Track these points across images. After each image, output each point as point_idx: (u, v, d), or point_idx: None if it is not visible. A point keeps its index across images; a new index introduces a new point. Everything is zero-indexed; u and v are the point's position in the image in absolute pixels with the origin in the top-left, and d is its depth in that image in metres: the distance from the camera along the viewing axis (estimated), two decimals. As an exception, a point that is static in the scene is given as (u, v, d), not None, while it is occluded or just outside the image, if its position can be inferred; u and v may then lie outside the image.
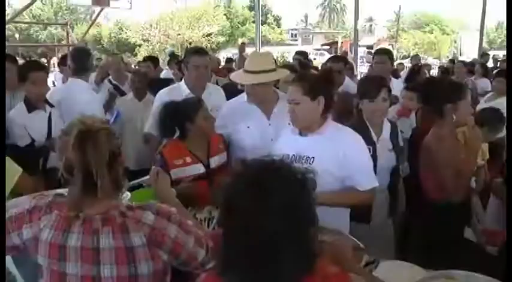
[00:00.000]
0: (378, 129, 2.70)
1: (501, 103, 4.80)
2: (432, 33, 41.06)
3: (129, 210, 1.42)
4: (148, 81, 4.52)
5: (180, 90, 3.22)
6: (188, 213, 1.98)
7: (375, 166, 2.40)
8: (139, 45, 31.21)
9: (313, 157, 2.18)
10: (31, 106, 3.26)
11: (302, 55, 6.08)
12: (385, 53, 4.57)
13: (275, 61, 3.00)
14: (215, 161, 2.67)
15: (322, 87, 2.19)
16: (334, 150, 2.17)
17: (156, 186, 1.96)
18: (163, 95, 3.23)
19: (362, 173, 2.20)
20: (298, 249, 1.09)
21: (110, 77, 4.92)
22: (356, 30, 14.60)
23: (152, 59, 6.86)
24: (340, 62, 4.40)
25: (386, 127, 2.75)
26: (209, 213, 2.29)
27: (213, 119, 2.69)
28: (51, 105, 3.41)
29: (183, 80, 3.37)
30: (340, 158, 2.16)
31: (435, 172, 2.57)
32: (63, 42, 19.94)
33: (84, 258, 1.39)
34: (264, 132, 2.76)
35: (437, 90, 2.69)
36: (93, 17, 15.33)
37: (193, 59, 3.19)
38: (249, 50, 6.40)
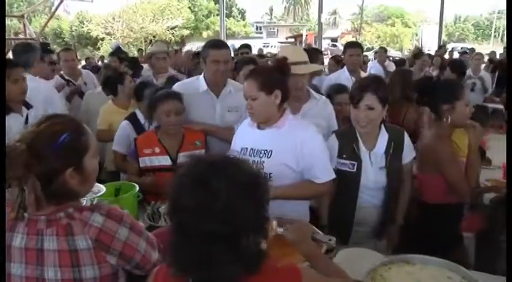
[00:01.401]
0: (370, 141, 2.39)
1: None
2: (394, 26, 41.97)
3: (77, 212, 1.35)
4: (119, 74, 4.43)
5: (198, 86, 2.95)
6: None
7: (357, 185, 2.35)
8: (102, 39, 30.45)
9: (271, 150, 2.19)
10: (8, 108, 2.85)
11: (247, 48, 6.03)
12: (359, 46, 4.66)
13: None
14: (184, 157, 2.64)
15: (277, 80, 2.17)
16: (292, 144, 2.17)
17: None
18: (178, 89, 2.95)
19: (319, 166, 2.20)
20: (239, 252, 1.08)
21: (62, 72, 4.79)
22: (320, 23, 14.75)
23: (118, 53, 6.74)
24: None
25: (382, 140, 2.38)
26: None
27: (179, 114, 2.67)
28: (29, 106, 3.08)
29: (202, 75, 3.02)
30: (298, 151, 2.17)
31: (440, 174, 2.47)
32: (21, 35, 19.22)
33: (28, 259, 1.35)
34: None
35: (433, 90, 2.56)
36: (53, 9, 14.83)
37: (212, 53, 2.85)
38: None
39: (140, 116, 3.25)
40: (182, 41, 30.24)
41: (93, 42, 31.64)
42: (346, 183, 2.38)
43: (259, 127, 2.26)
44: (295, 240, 1.57)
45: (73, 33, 34.41)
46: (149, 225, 2.15)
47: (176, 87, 3.01)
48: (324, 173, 2.21)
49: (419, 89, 2.87)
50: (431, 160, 2.48)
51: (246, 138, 2.29)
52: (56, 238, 1.33)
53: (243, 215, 1.08)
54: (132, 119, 3.25)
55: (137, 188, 2.41)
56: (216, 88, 2.93)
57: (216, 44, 2.95)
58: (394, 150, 2.37)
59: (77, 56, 5.26)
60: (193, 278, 1.12)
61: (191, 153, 2.61)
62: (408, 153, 2.44)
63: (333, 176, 2.24)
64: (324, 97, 2.96)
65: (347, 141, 2.36)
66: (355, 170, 2.34)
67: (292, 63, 2.43)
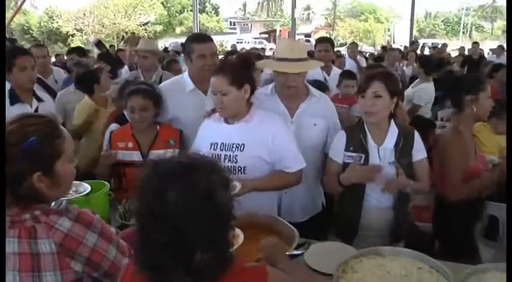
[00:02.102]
0: (379, 136, 2.27)
1: (424, 88, 5.18)
2: (367, 21, 42.47)
3: (44, 215, 1.30)
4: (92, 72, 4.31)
5: (183, 85, 2.74)
6: None
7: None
8: (73, 35, 29.81)
9: (243, 144, 2.20)
10: (15, 98, 2.79)
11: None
12: (328, 41, 4.67)
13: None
14: (155, 155, 2.62)
15: (246, 75, 2.19)
16: (263, 136, 2.20)
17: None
18: (164, 89, 2.77)
19: (290, 157, 2.24)
20: (190, 266, 1.05)
21: None
22: (294, 19, 14.80)
23: (78, 50, 6.49)
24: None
25: (392, 134, 2.26)
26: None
27: (145, 111, 2.60)
28: (40, 100, 2.99)
29: (186, 73, 2.82)
30: (269, 143, 2.20)
31: (443, 167, 2.48)
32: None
33: None
34: None
35: (456, 81, 2.57)
36: (19, 3, 14.37)
37: (197, 48, 2.64)
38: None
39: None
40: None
41: (63, 38, 30.93)
42: None
43: (227, 122, 2.27)
44: (270, 258, 1.51)
45: (42, 29, 33.54)
46: (121, 223, 2.12)
47: (162, 86, 2.85)
48: (295, 163, 2.25)
49: (442, 82, 2.87)
50: (441, 152, 2.50)
51: (215, 134, 2.28)
52: (17, 240, 1.27)
53: (191, 230, 1.03)
54: (121, 120, 3.12)
55: (108, 186, 2.38)
56: (203, 85, 2.65)
57: (200, 37, 2.79)
58: (403, 146, 2.24)
59: (48, 53, 5.10)
60: (149, 278, 1.10)
61: (166, 152, 2.63)
62: (419, 150, 2.29)
63: (304, 164, 2.28)
64: (325, 95, 2.76)
65: (355, 134, 2.29)
66: (362, 162, 2.23)
67: (281, 59, 2.43)
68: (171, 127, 2.72)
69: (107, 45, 9.99)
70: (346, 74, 4.06)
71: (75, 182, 2.16)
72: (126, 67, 5.50)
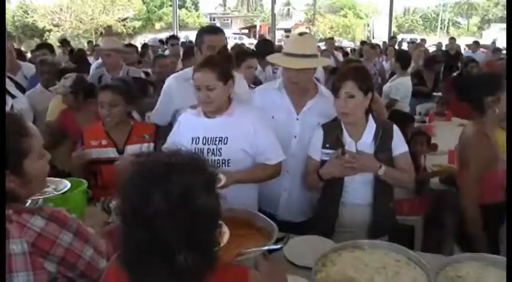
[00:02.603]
0: (356, 132, 2.27)
1: (401, 83, 5.26)
2: (346, 17, 42.72)
3: (15, 214, 1.27)
4: (60, 70, 4.16)
5: (190, 76, 2.62)
6: None
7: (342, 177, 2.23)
8: (49, 31, 29.20)
9: (227, 137, 2.23)
10: None
11: (176, 39, 6.06)
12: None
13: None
14: (131, 150, 2.64)
15: (230, 70, 2.23)
16: (245, 129, 2.24)
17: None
18: (171, 80, 2.79)
19: (270, 149, 2.28)
20: (174, 267, 1.04)
21: None
22: (273, 14, 14.80)
23: (47, 46, 6.33)
24: None
25: (370, 130, 2.26)
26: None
27: (114, 106, 2.59)
28: (13, 96, 2.91)
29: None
30: (252, 136, 2.24)
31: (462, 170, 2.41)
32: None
33: None
34: (288, 127, 2.51)
35: (475, 82, 2.47)
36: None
37: (208, 39, 2.65)
38: (166, 35, 6.23)
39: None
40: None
41: (40, 33, 30.26)
42: None
43: (207, 116, 2.28)
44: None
45: (16, 23, 32.73)
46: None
47: (170, 78, 2.83)
48: (275, 155, 2.30)
49: (458, 84, 2.77)
50: (465, 154, 2.41)
51: (195, 128, 2.29)
52: None
53: (173, 231, 1.02)
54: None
55: (86, 184, 2.35)
56: None
57: (212, 29, 2.79)
58: (382, 140, 2.24)
59: (18, 49, 4.94)
60: (131, 278, 1.09)
61: (139, 150, 2.61)
62: (399, 143, 2.29)
63: (283, 156, 2.31)
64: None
65: (331, 132, 2.30)
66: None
67: (288, 54, 2.43)
68: (145, 122, 2.74)
69: (85, 41, 9.78)
70: (334, 71, 4.09)
71: (55, 179, 2.14)
72: (95, 64, 5.39)
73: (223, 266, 1.15)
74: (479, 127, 2.38)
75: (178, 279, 1.06)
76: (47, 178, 2.19)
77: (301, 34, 2.59)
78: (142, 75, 4.51)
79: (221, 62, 2.23)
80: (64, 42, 7.14)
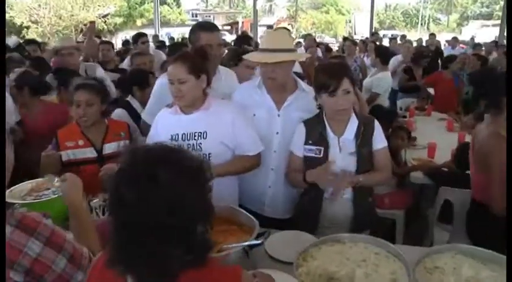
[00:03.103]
0: (339, 127, 2.27)
1: (381, 77, 5.32)
2: (328, 13, 42.87)
3: None
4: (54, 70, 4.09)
5: None
6: (89, 225, 1.64)
7: None
8: (28, 27, 28.63)
9: (206, 131, 2.24)
10: None
11: (145, 37, 5.75)
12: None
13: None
14: (109, 148, 2.63)
15: (203, 65, 2.22)
16: (224, 122, 2.25)
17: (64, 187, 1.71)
18: (163, 79, 2.69)
19: (249, 141, 2.31)
20: (189, 243, 1.05)
21: None
22: (256, 11, 14.76)
23: (33, 42, 6.19)
24: None
25: (352, 125, 2.27)
26: (103, 200, 2.23)
27: (90, 106, 2.55)
28: None
29: None
30: (230, 129, 2.25)
31: (487, 175, 2.34)
32: None
33: None
34: (270, 124, 2.48)
35: (493, 81, 2.40)
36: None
37: (203, 36, 2.63)
38: (148, 31, 6.07)
39: (136, 105, 3.28)
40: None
41: (17, 30, 29.64)
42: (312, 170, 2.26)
43: (184, 113, 2.29)
44: None
45: (-7, 21, 32.04)
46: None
47: (163, 76, 2.75)
48: (254, 146, 2.32)
49: (475, 81, 2.69)
50: (484, 159, 2.37)
51: (173, 126, 2.29)
52: None
53: (189, 205, 1.03)
54: (128, 107, 3.24)
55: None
56: None
57: (207, 25, 2.75)
58: (363, 135, 2.25)
59: None
60: (135, 274, 1.07)
61: (117, 148, 2.60)
62: (379, 138, 2.30)
63: (262, 147, 2.34)
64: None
65: (314, 128, 2.30)
66: (321, 155, 2.24)
67: (262, 49, 2.40)
68: (118, 120, 2.75)
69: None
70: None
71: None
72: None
73: (216, 264, 1.15)
74: (493, 128, 2.35)
75: (161, 273, 1.04)
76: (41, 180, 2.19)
77: (275, 29, 2.59)
78: (101, 72, 4.41)
79: (192, 57, 2.23)
80: (20, 47, 5.99)
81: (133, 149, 1.09)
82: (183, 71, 2.14)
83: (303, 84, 2.54)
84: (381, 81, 5.26)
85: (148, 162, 1.04)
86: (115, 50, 6.72)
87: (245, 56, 2.60)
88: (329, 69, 2.26)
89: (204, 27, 2.71)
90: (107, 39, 10.12)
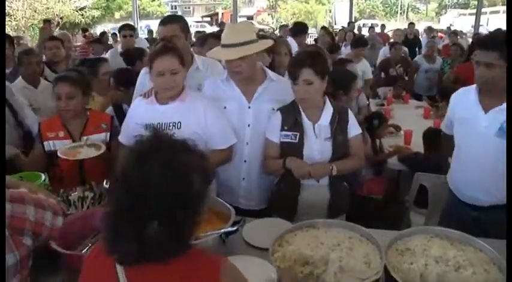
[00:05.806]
0: (314, 114, 2.33)
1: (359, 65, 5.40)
2: (308, 3, 42.81)
3: None
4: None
5: None
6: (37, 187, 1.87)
7: (301, 156, 2.27)
8: (1, 21, 27.96)
9: (180, 122, 2.29)
10: None
11: (131, 30, 5.44)
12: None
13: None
14: (90, 140, 2.59)
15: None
16: (197, 114, 2.29)
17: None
18: (143, 72, 2.82)
19: (222, 134, 2.35)
20: (175, 229, 1.09)
21: None
22: (235, 1, 14.64)
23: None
24: None
25: (327, 112, 2.32)
26: (82, 192, 2.24)
27: (71, 99, 2.53)
28: None
29: None
30: (203, 121, 2.29)
31: None
32: None
33: None
34: (241, 116, 2.48)
35: None
36: None
37: (159, 31, 2.75)
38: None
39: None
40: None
41: (-9, 24, 28.96)
42: (289, 156, 2.30)
43: (160, 103, 2.33)
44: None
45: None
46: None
47: (143, 74, 2.82)
48: (227, 139, 2.38)
49: None
50: None
51: (149, 115, 2.31)
52: None
53: (152, 197, 1.07)
54: (117, 108, 3.22)
55: (43, 177, 2.32)
56: None
57: (164, 19, 2.83)
58: (339, 122, 2.31)
59: None
60: (121, 255, 1.10)
61: (100, 136, 2.59)
62: (354, 126, 2.37)
63: (235, 140, 2.39)
64: (284, 79, 2.60)
65: (290, 114, 2.33)
66: (297, 140, 2.29)
67: (224, 45, 2.35)
68: (100, 112, 2.75)
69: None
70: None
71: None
72: None
73: (196, 252, 1.16)
74: None
75: (144, 252, 1.08)
76: None
77: (235, 23, 2.67)
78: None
79: (178, 49, 2.31)
80: None
81: (139, 137, 1.18)
82: (175, 61, 2.21)
83: (271, 73, 2.54)
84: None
85: (144, 151, 1.12)
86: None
87: (208, 54, 2.58)
88: (294, 58, 2.36)
89: (161, 21, 2.78)
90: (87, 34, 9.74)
